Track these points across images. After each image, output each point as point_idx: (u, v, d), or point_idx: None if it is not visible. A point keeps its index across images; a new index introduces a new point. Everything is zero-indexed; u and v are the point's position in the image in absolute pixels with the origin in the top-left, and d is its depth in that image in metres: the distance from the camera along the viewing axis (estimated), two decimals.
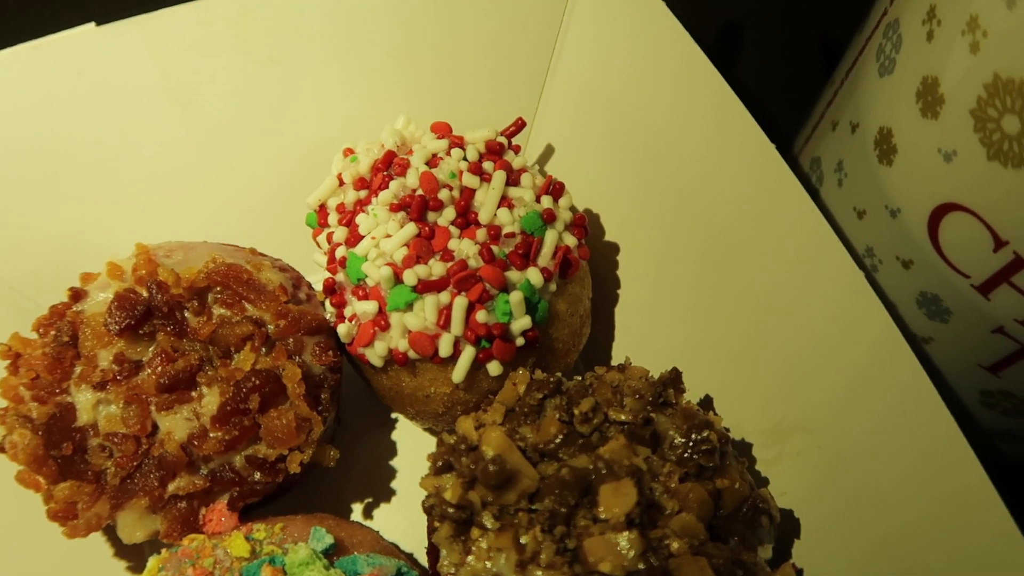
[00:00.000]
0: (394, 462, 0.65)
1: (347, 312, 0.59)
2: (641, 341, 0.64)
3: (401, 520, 0.59)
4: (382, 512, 0.62)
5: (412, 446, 0.66)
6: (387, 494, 0.63)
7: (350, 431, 0.65)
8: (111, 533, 0.58)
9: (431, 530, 0.53)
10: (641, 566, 0.47)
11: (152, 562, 0.53)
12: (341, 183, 0.62)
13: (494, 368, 0.57)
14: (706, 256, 0.61)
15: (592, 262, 0.65)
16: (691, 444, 0.53)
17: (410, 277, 0.56)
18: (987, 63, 0.45)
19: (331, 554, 0.53)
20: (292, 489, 0.61)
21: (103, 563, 0.58)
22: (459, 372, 0.57)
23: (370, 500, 0.63)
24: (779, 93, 0.66)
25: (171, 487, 0.53)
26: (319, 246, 0.63)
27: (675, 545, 0.49)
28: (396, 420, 0.67)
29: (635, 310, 0.65)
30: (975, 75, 0.46)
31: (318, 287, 0.62)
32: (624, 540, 0.48)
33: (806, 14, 0.78)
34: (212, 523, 0.54)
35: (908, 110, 0.52)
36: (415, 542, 0.58)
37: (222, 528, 0.54)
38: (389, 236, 0.58)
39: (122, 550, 0.59)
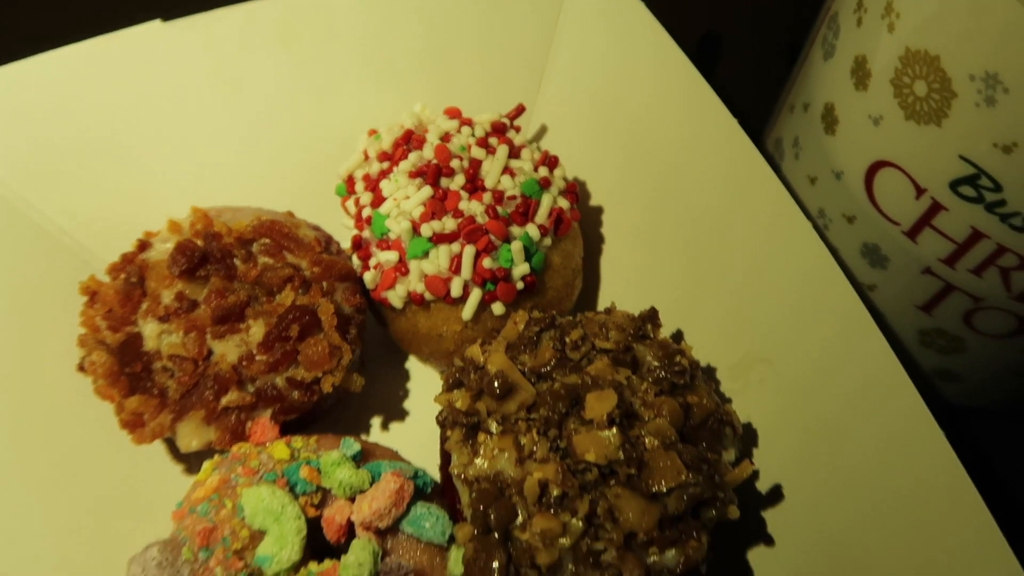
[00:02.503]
0: (410, 397, 0.73)
1: (371, 263, 0.67)
2: (625, 294, 0.73)
3: (415, 443, 0.67)
4: (399, 437, 0.70)
5: (426, 384, 0.74)
6: (403, 420, 0.72)
7: (371, 371, 0.73)
8: (171, 445, 0.67)
9: (443, 440, 0.62)
10: (621, 455, 0.55)
11: (207, 464, 0.61)
12: (367, 158, 0.72)
13: (498, 308, 0.66)
14: (681, 221, 0.70)
15: (582, 227, 0.74)
16: (665, 366, 0.61)
17: (426, 230, 0.65)
18: (900, 39, 0.54)
19: (358, 460, 0.61)
20: (322, 417, 0.69)
21: (163, 467, 0.66)
22: (468, 311, 0.65)
23: (389, 428, 0.71)
24: (751, 89, 0.75)
25: (223, 401, 0.61)
26: (347, 212, 0.71)
27: (650, 442, 0.57)
28: (412, 365, 0.76)
29: (620, 268, 0.74)
30: (892, 50, 0.55)
31: (345, 247, 0.71)
32: (606, 435, 0.56)
33: (776, 27, 0.87)
34: (257, 434, 0.62)
35: (845, 86, 0.61)
36: (428, 460, 0.66)
37: (265, 438, 0.62)
38: (408, 197, 0.66)
39: (179, 458, 0.67)
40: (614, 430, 0.56)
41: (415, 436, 0.69)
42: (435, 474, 0.65)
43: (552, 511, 0.55)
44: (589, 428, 0.57)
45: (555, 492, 0.54)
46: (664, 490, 0.55)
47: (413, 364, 0.76)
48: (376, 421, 0.72)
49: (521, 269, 0.65)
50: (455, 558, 0.58)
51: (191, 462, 0.67)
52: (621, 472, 0.55)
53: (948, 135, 0.53)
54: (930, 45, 0.51)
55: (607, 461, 0.55)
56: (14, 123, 0.66)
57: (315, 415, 0.67)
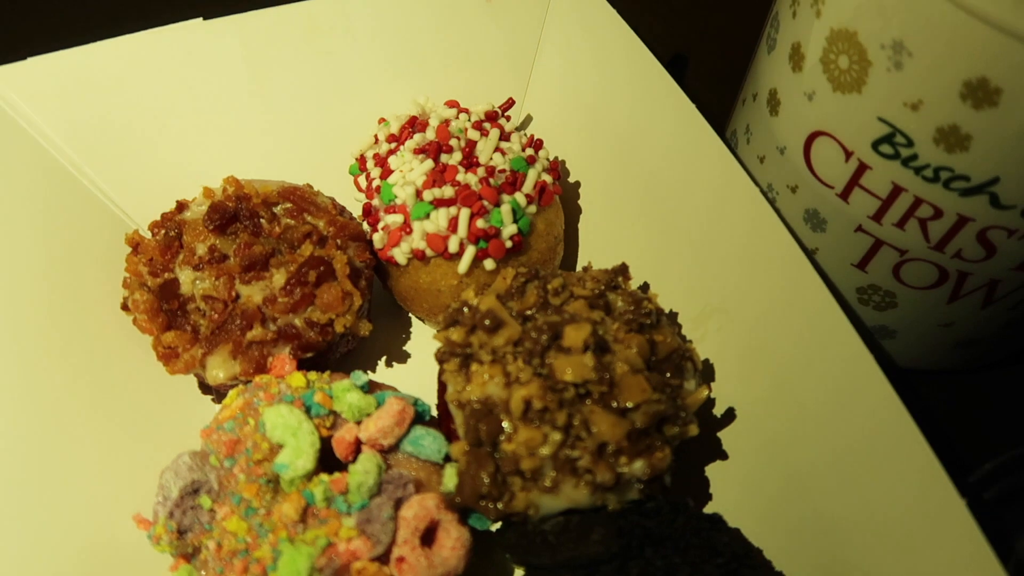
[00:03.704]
0: (410, 349, 0.80)
1: (379, 226, 0.75)
2: (599, 262, 0.80)
3: (415, 385, 0.73)
4: (401, 381, 0.76)
5: (424, 340, 0.81)
6: (404, 363, 0.78)
7: (377, 329, 0.80)
8: (203, 388, 0.73)
9: (441, 372, 0.68)
10: (594, 375, 0.62)
11: (233, 392, 0.67)
12: (376, 141, 0.79)
13: (489, 264, 0.73)
14: (648, 196, 0.77)
15: (564, 205, 0.81)
16: (634, 309, 0.68)
17: (428, 195, 0.72)
18: (826, 22, 0.62)
19: (366, 390, 0.67)
20: (334, 364, 0.75)
21: (194, 401, 0.72)
22: (463, 265, 0.72)
23: (391, 373, 0.78)
24: (713, 99, 0.82)
25: (248, 336, 0.67)
26: (359, 187, 0.79)
27: (620, 367, 0.63)
28: (414, 325, 0.82)
29: (595, 239, 0.82)
30: (820, 32, 0.63)
31: (356, 215, 0.78)
32: (582, 358, 0.63)
33: (740, 47, 0.93)
34: (277, 368, 0.68)
35: (784, 70, 0.69)
36: (426, 399, 0.72)
37: (284, 372, 0.68)
38: (412, 170, 0.74)
39: (208, 394, 0.73)
40: (589, 354, 0.62)
41: (415, 380, 0.75)
42: (434, 412, 0.71)
43: (535, 424, 0.61)
44: (567, 354, 0.63)
45: (537, 405, 0.60)
46: (631, 406, 0.61)
47: (415, 325, 0.82)
48: (381, 367, 0.78)
49: (510, 229, 0.72)
50: (449, 474, 0.64)
51: (219, 399, 0.73)
52: (595, 391, 0.61)
53: (867, 100, 0.61)
54: (849, 23, 0.59)
55: (582, 380, 0.61)
56: (74, 101, 0.74)
57: (328, 359, 0.73)
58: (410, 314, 0.81)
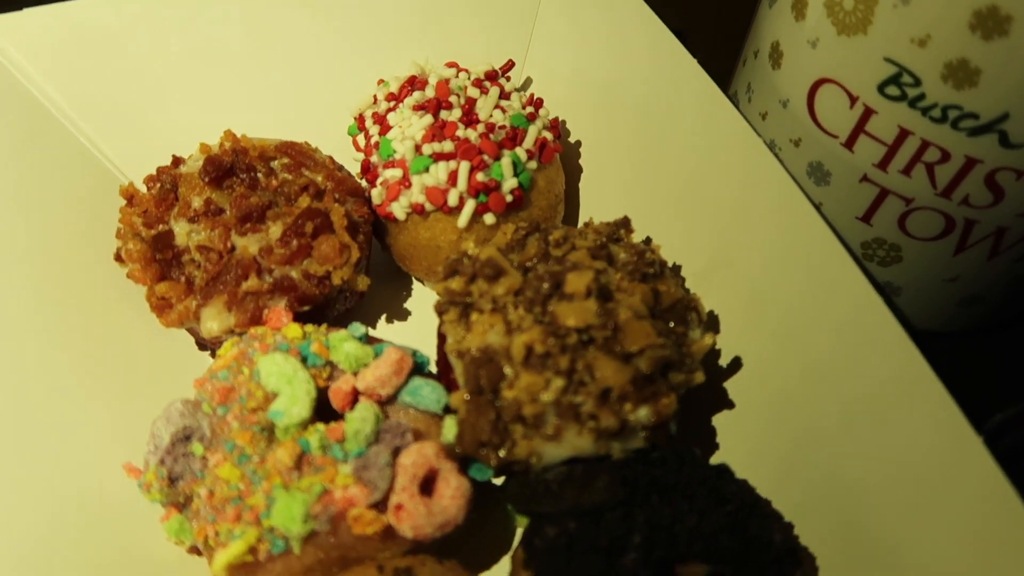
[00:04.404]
0: (408, 305, 0.78)
1: (378, 182, 0.72)
2: (600, 220, 0.77)
3: (414, 344, 0.70)
4: (398, 340, 0.74)
5: (423, 301, 0.78)
6: (404, 322, 0.76)
7: (375, 291, 0.77)
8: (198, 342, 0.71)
9: (440, 324, 0.65)
10: (597, 320, 0.59)
11: (227, 343, 0.64)
12: (376, 101, 0.77)
13: (489, 218, 0.71)
14: (648, 154, 0.75)
15: (564, 165, 0.79)
16: (637, 259, 0.66)
17: (427, 149, 0.70)
18: None
19: (363, 342, 0.65)
20: (328, 323, 0.72)
21: (190, 352, 0.70)
22: (463, 219, 0.70)
23: (390, 331, 0.75)
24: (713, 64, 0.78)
25: (244, 286, 0.65)
26: (357, 146, 0.77)
27: (623, 313, 0.61)
28: (414, 288, 0.80)
29: (596, 199, 0.80)
30: None
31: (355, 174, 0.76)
32: (585, 304, 0.60)
33: (739, 24, 0.90)
34: (273, 320, 0.65)
35: (787, 21, 0.68)
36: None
37: (280, 325, 0.65)
38: (412, 125, 0.72)
39: (204, 348, 0.71)
40: (592, 300, 0.60)
41: (414, 340, 0.72)
42: (433, 368, 0.69)
43: (536, 369, 0.58)
44: (570, 301, 0.61)
45: (539, 350, 0.58)
46: (636, 351, 0.58)
47: (414, 287, 0.80)
48: (380, 326, 0.75)
49: (510, 183, 0.70)
50: (449, 425, 0.61)
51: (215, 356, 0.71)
52: (598, 336, 0.59)
53: (873, 41, 0.59)
54: None
55: (585, 325, 0.59)
56: (70, 54, 0.72)
57: (325, 316, 0.70)
58: (410, 275, 0.78)
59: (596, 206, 0.80)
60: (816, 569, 0.58)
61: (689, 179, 0.72)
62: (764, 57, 0.73)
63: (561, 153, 0.76)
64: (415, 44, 0.81)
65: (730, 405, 0.65)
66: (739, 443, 0.64)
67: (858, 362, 0.58)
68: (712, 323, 0.68)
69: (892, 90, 0.60)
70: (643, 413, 0.58)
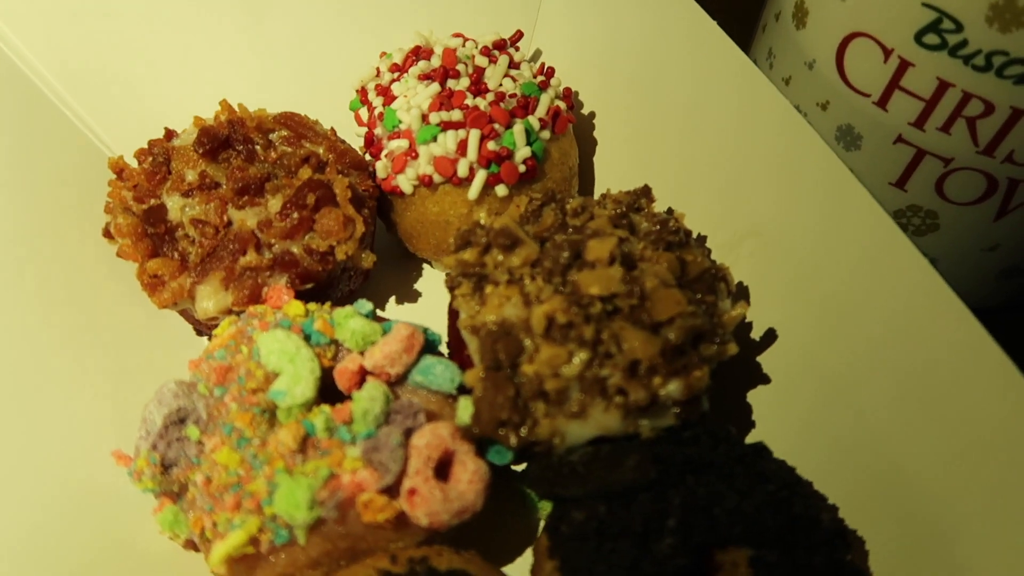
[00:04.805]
0: (416, 288, 0.73)
1: (383, 154, 0.68)
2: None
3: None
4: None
5: (432, 283, 0.74)
6: (414, 302, 0.71)
7: (381, 275, 0.73)
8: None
9: (452, 300, 0.60)
10: (623, 288, 0.55)
11: (224, 322, 0.59)
12: (379, 73, 0.73)
13: (501, 190, 0.66)
14: (667, 122, 0.71)
15: (578, 138, 0.75)
16: (659, 228, 0.61)
17: (435, 118, 0.66)
18: None
19: (370, 319, 0.60)
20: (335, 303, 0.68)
21: (185, 335, 0.65)
22: (474, 190, 0.65)
23: (396, 314, 0.71)
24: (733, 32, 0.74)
25: (242, 261, 0.60)
26: (360, 121, 0.72)
27: (650, 282, 0.56)
28: (424, 272, 0.76)
29: (611, 173, 0.75)
30: None
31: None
32: (609, 271, 0.55)
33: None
34: (273, 299, 0.61)
35: None
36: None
37: (281, 304, 0.61)
38: (418, 94, 0.68)
39: (201, 334, 0.66)
40: (616, 266, 0.55)
41: (421, 322, 0.68)
42: (444, 349, 0.64)
43: (559, 341, 0.54)
44: (592, 269, 0.56)
45: (561, 320, 0.53)
46: (665, 319, 0.54)
47: (423, 271, 0.75)
48: (387, 309, 0.71)
49: (523, 152, 0.66)
50: (464, 405, 0.56)
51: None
52: (623, 305, 0.54)
53: None
54: None
55: (610, 293, 0.54)
56: (58, 25, 0.68)
57: (328, 297, 0.66)
58: (417, 257, 0.73)
59: (611, 180, 0.75)
60: (866, 554, 0.53)
61: (711, 147, 0.68)
62: (787, 18, 0.69)
63: (574, 124, 0.72)
64: (417, 16, 0.77)
65: (765, 380, 0.61)
66: (777, 422, 0.60)
67: (912, 337, 0.54)
68: (742, 295, 0.64)
69: (931, 38, 0.56)
70: (673, 387, 0.54)
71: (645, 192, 0.65)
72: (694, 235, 0.68)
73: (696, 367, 0.54)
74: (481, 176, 0.65)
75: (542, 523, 0.60)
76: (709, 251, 0.67)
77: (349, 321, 0.58)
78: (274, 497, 0.50)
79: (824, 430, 0.57)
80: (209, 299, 0.60)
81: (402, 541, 0.52)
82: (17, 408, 0.56)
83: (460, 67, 0.69)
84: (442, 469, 0.54)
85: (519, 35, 0.76)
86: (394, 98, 0.69)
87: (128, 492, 0.53)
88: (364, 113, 0.72)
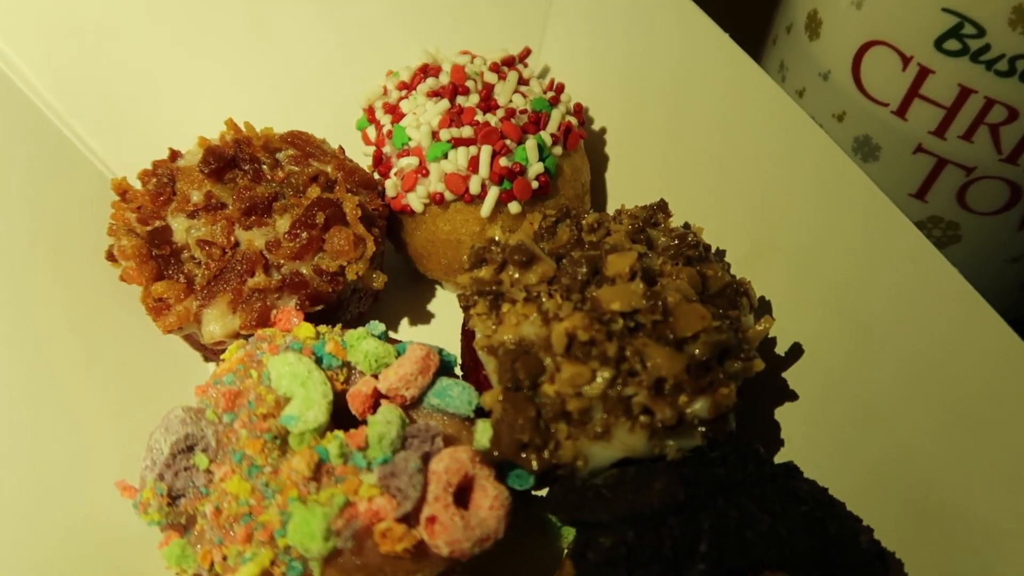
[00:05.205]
0: (428, 310, 0.71)
1: (392, 172, 0.66)
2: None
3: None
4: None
5: (444, 306, 0.72)
6: (427, 323, 0.69)
7: (391, 297, 0.71)
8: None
9: (466, 320, 0.58)
10: (644, 303, 0.53)
11: (232, 346, 0.57)
12: (386, 92, 0.72)
13: (514, 207, 0.64)
14: (682, 136, 0.70)
15: (589, 155, 0.74)
16: (678, 243, 0.59)
17: (445, 135, 0.64)
18: None
19: (383, 340, 0.58)
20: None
21: (192, 360, 0.62)
22: (486, 208, 0.64)
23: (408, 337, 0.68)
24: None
25: (250, 283, 0.58)
26: (368, 139, 0.71)
27: (672, 297, 0.54)
28: (436, 294, 0.74)
29: (624, 190, 0.74)
30: None
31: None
32: (629, 286, 0.54)
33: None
34: (282, 322, 0.59)
35: None
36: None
37: (290, 327, 0.59)
38: (427, 111, 0.66)
39: (209, 359, 0.63)
40: (637, 281, 0.53)
41: (434, 344, 0.66)
42: (459, 371, 0.62)
43: (580, 359, 0.51)
44: (612, 284, 0.54)
45: (583, 337, 0.51)
46: (689, 335, 0.52)
47: (435, 293, 0.73)
48: (398, 330, 0.69)
49: (536, 168, 0.64)
50: (482, 428, 0.54)
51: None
52: (646, 321, 0.52)
53: None
54: None
55: (632, 309, 0.52)
56: (57, 43, 0.66)
57: (338, 319, 0.64)
58: (427, 278, 0.71)
59: (624, 197, 0.74)
60: None
61: (726, 160, 0.66)
62: (799, 29, 0.68)
63: (585, 140, 0.70)
64: (421, 35, 0.75)
65: (792, 398, 0.58)
66: (807, 442, 0.57)
67: (955, 356, 0.52)
68: (763, 310, 0.62)
69: (951, 44, 0.55)
70: (700, 406, 0.52)
71: (662, 207, 0.63)
72: (712, 250, 0.66)
73: (722, 384, 0.52)
74: (494, 193, 0.63)
75: (565, 551, 0.57)
76: (728, 266, 0.65)
77: (362, 343, 0.56)
78: (287, 528, 0.47)
79: (858, 451, 0.54)
80: (216, 322, 0.58)
81: (421, 572, 0.50)
82: (18, 438, 0.54)
83: (469, 84, 0.68)
84: (461, 495, 0.51)
85: (527, 52, 0.75)
86: (403, 116, 0.67)
87: (133, 525, 0.51)
88: (372, 132, 0.70)
